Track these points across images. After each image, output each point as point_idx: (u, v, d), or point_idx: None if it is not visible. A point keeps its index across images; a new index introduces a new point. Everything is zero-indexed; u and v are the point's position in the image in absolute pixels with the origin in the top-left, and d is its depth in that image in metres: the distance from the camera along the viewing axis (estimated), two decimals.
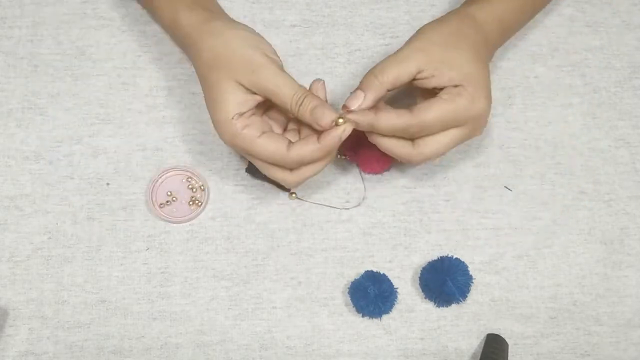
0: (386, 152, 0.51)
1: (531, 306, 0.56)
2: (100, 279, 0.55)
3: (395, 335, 0.55)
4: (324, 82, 0.51)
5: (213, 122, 0.50)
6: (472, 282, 0.55)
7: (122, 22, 0.62)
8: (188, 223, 0.57)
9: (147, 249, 0.56)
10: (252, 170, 0.57)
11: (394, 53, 0.51)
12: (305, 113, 0.48)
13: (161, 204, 0.57)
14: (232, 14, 0.63)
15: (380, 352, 0.54)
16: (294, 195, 0.57)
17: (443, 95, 0.49)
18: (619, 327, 0.56)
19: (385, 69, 0.49)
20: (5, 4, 0.62)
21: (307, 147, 0.48)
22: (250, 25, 0.62)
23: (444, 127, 0.49)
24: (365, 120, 0.49)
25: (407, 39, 0.63)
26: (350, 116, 0.48)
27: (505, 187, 0.59)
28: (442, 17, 0.54)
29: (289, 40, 0.62)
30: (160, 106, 0.60)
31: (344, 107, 0.49)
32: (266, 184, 0.58)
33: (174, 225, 0.57)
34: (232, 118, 0.49)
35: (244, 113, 0.49)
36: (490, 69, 0.56)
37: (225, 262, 0.56)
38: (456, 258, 0.55)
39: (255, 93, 0.49)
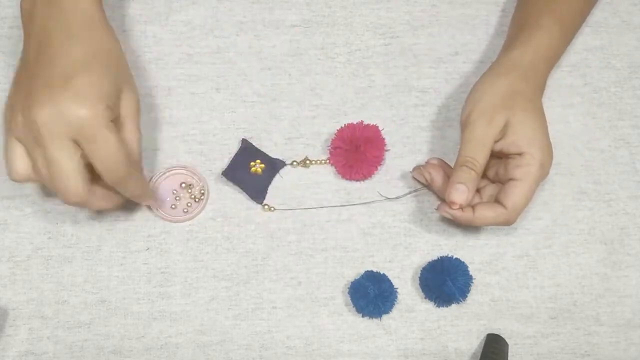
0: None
1: (531, 306, 0.56)
2: (100, 279, 0.55)
3: (395, 335, 0.55)
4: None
5: None
6: (472, 282, 0.55)
7: (122, 22, 0.62)
8: (188, 223, 0.57)
9: (147, 249, 0.56)
10: (228, 174, 0.57)
11: (469, 133, 0.52)
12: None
13: (160, 203, 0.57)
14: (232, 14, 0.63)
15: (380, 352, 0.54)
16: (266, 207, 0.57)
17: (516, 176, 0.51)
18: (619, 327, 0.56)
19: (476, 158, 0.52)
20: (5, 4, 0.62)
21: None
22: (250, 25, 0.63)
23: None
24: (464, 218, 0.52)
25: (407, 39, 0.63)
26: (452, 212, 0.52)
27: None
28: (490, 74, 0.55)
29: (289, 40, 0.62)
30: (160, 106, 0.60)
31: (451, 202, 0.52)
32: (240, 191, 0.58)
33: (174, 225, 0.57)
34: None
35: None
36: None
37: (225, 262, 0.56)
38: (456, 258, 0.55)
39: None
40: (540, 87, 0.55)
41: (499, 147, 0.52)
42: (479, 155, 0.52)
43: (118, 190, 0.49)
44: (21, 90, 0.46)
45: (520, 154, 0.52)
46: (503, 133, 0.52)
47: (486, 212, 0.52)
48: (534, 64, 0.55)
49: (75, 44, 0.46)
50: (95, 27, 0.48)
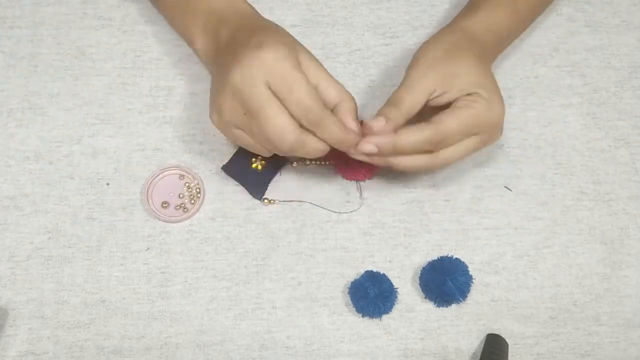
0: (406, 170, 0.52)
1: (531, 306, 0.56)
2: (100, 279, 0.55)
3: (395, 335, 0.55)
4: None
5: None
6: (472, 282, 0.55)
7: (122, 22, 0.62)
8: (188, 222, 0.57)
9: (147, 249, 0.56)
10: (228, 169, 0.57)
11: (403, 82, 0.52)
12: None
13: (160, 203, 0.57)
14: None
15: (380, 352, 0.54)
16: (266, 200, 0.57)
17: (459, 103, 0.50)
18: (619, 327, 0.56)
19: (402, 99, 0.50)
20: (5, 4, 0.63)
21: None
22: None
23: (465, 135, 0.50)
24: (386, 141, 0.49)
25: (407, 39, 0.63)
26: (373, 139, 0.49)
27: (505, 187, 0.59)
28: (435, 34, 0.55)
29: None
30: (160, 106, 0.60)
31: (366, 126, 0.50)
32: (239, 186, 0.58)
33: (174, 225, 0.57)
34: None
35: None
36: (492, 69, 0.56)
37: (225, 262, 0.56)
38: (456, 258, 0.55)
39: None
40: (487, 57, 0.55)
41: (447, 97, 0.50)
42: (406, 99, 0.50)
43: (316, 133, 0.49)
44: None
45: (468, 95, 0.50)
46: (449, 85, 0.50)
47: (409, 131, 0.49)
48: (481, 32, 0.55)
49: (253, 35, 0.50)
50: (261, 20, 0.55)
